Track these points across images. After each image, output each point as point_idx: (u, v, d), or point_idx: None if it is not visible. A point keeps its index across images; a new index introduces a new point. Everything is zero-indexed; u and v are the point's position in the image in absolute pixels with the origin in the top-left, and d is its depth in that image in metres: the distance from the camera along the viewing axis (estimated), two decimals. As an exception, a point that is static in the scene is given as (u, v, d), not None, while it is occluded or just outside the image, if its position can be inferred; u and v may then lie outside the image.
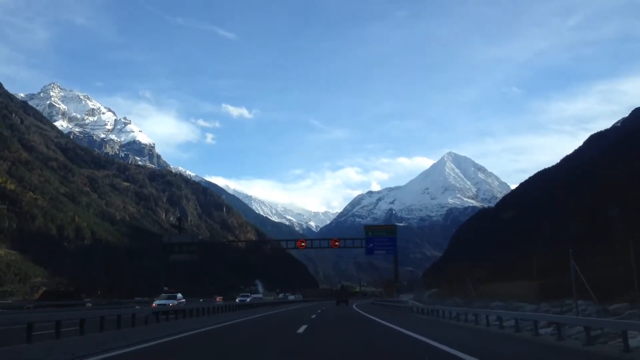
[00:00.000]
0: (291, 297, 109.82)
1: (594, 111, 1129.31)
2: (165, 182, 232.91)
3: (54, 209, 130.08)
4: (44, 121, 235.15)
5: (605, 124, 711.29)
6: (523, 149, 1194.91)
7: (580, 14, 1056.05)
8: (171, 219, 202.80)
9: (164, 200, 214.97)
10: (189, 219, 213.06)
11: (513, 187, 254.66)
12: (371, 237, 53.77)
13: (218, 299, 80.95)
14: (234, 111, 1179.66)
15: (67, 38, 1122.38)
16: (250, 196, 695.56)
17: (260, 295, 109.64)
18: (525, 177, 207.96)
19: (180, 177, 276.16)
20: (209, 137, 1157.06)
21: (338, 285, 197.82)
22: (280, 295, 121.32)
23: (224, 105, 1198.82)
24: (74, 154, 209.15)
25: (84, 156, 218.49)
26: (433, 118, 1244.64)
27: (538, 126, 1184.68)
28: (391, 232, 55.39)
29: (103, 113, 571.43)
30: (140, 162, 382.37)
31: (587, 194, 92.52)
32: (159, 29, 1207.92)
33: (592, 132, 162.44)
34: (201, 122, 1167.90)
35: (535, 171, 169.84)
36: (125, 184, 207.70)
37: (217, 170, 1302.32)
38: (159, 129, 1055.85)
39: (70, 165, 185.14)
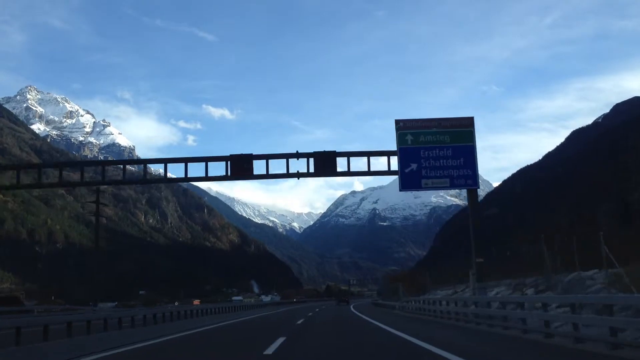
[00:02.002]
0: (266, 299, 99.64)
1: (572, 108, 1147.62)
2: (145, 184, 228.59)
3: (24, 212, 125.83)
4: (18, 123, 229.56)
5: (584, 121, 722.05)
6: (503, 147, 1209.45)
7: (556, 13, 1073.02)
8: (150, 221, 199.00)
9: (143, 202, 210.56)
10: (169, 220, 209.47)
11: (495, 184, 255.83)
12: (413, 149, 23.83)
13: (195, 302, 78.45)
14: (215, 112, 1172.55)
15: (43, 41, 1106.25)
16: (233, 198, 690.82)
17: (240, 298, 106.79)
18: (506, 175, 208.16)
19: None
20: (190, 139, 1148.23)
21: (323, 285, 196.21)
22: (262, 297, 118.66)
23: (204, 106, 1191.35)
24: (49, 157, 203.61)
25: (60, 158, 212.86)
26: (414, 117, 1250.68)
27: (517, 124, 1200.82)
28: (464, 136, 25.13)
29: (81, 115, 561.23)
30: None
31: (571, 189, 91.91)
32: (137, 31, 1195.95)
33: (571, 129, 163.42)
34: (182, 124, 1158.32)
35: (516, 169, 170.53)
36: (103, 186, 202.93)
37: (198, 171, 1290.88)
38: (139, 132, 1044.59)
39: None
